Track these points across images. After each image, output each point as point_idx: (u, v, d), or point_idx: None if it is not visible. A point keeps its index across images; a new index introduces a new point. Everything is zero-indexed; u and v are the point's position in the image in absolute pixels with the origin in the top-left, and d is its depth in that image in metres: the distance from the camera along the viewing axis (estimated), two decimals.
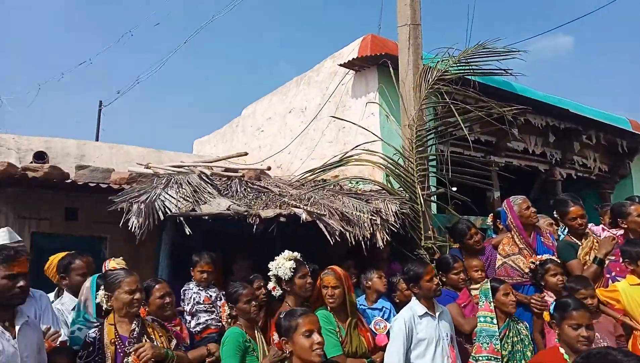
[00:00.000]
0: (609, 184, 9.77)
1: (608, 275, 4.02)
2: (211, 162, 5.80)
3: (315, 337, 2.58)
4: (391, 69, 5.78)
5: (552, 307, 3.08)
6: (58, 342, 3.01)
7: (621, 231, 4.28)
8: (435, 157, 5.50)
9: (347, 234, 4.30)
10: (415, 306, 3.46)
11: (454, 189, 5.48)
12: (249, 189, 4.92)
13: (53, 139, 7.32)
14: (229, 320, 3.42)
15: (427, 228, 5.05)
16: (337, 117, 6.51)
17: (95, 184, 4.75)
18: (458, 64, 5.51)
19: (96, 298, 3.10)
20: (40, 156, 6.67)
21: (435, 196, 5.55)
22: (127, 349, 2.81)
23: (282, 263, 3.66)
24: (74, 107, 41.98)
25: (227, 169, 5.45)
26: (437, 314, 3.45)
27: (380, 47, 6.61)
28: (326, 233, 4.21)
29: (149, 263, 4.77)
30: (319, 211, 4.30)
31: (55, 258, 3.78)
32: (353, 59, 6.66)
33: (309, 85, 8.22)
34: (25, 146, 6.96)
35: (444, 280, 4.06)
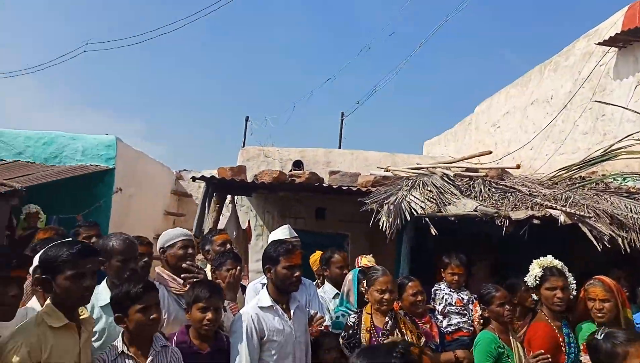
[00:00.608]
0: None
1: None
2: (451, 163, 5.71)
3: None
4: None
5: None
6: (323, 326, 3.37)
7: None
8: None
9: (620, 239, 3.64)
10: None
11: None
12: (493, 189, 4.67)
13: (306, 149, 8.39)
14: (481, 320, 3.28)
15: None
16: (601, 102, 5.56)
17: (346, 187, 5.19)
18: None
19: (359, 288, 3.37)
20: (298, 164, 7.72)
21: None
22: (381, 340, 2.95)
23: (533, 269, 3.33)
24: (321, 120, 47.64)
25: (467, 169, 5.29)
26: None
27: None
28: (592, 237, 3.67)
29: (388, 260, 4.95)
30: (581, 213, 3.77)
31: (318, 254, 4.27)
32: (616, 34, 5.67)
33: (555, 71, 7.36)
34: (285, 156, 8.15)
35: None
